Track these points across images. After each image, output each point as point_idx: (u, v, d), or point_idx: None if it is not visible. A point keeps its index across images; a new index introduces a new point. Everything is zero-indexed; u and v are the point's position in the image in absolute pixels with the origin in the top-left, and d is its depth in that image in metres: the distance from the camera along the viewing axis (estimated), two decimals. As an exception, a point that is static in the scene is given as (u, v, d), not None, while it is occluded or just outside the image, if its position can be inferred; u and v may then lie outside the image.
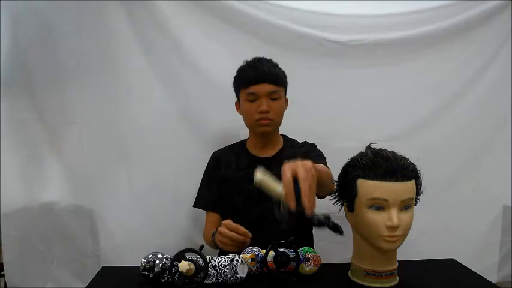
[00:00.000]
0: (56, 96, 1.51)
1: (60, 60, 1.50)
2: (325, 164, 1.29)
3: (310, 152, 1.39)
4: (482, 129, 1.75)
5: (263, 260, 1.03)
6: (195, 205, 1.45)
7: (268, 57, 1.35)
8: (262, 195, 1.25)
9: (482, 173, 1.77)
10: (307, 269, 1.05)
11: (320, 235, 1.45)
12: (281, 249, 1.03)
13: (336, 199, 1.07)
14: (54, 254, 1.55)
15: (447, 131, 1.74)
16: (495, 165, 1.77)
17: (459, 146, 1.75)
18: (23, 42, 1.47)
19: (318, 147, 1.43)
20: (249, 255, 1.06)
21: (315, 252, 1.07)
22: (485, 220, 1.78)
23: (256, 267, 1.05)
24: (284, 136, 1.45)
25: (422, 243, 1.49)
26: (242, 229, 1.13)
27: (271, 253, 1.03)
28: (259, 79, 1.29)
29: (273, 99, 1.31)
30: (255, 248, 1.09)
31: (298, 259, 1.02)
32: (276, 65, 1.35)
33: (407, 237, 0.97)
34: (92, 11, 1.50)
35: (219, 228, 1.16)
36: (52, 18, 1.48)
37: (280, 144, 1.42)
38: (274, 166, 1.14)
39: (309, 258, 1.05)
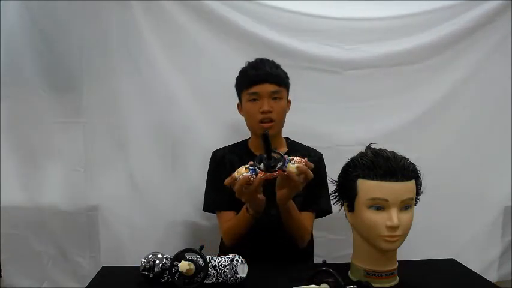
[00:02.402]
0: (57, 96, 1.51)
1: (61, 60, 1.50)
2: (326, 193, 1.21)
3: (316, 175, 1.33)
4: (482, 129, 1.75)
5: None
6: (206, 209, 1.39)
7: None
8: (267, 201, 1.27)
9: (483, 173, 1.76)
10: (294, 166, 1.00)
11: (318, 231, 1.47)
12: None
13: (336, 199, 1.08)
14: (51, 254, 1.54)
15: (447, 132, 1.74)
16: (496, 165, 1.77)
17: (459, 146, 1.75)
18: (24, 42, 1.47)
19: (319, 149, 1.43)
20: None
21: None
22: (485, 220, 1.78)
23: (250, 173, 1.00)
24: (287, 139, 1.43)
25: (422, 243, 1.49)
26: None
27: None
28: (261, 79, 1.29)
29: (275, 99, 1.30)
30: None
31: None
32: (278, 66, 1.34)
33: (408, 237, 0.97)
34: (95, 11, 1.50)
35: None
36: (53, 18, 1.48)
37: (283, 147, 1.40)
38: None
39: (293, 158, 1.01)
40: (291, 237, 1.27)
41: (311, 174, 1.01)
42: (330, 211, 1.33)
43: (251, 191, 1.02)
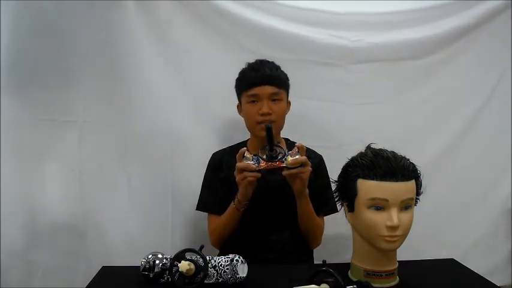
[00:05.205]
0: (56, 95, 1.51)
1: (61, 59, 1.50)
2: (332, 194, 1.20)
3: (317, 178, 1.34)
4: (483, 131, 1.75)
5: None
6: (199, 208, 1.41)
7: (270, 59, 1.35)
8: (263, 200, 1.27)
9: (484, 174, 1.76)
10: (290, 158, 1.10)
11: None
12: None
13: (336, 199, 1.08)
14: (48, 254, 1.52)
15: (448, 133, 1.74)
16: (497, 167, 1.77)
17: (461, 148, 1.74)
18: (24, 42, 1.46)
19: (319, 150, 1.43)
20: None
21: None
22: (486, 221, 1.77)
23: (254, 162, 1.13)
24: (286, 140, 1.43)
25: (422, 243, 1.49)
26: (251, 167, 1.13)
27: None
28: (260, 81, 1.29)
29: (275, 101, 1.31)
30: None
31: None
32: (278, 67, 1.35)
33: (408, 237, 0.97)
34: (95, 9, 1.50)
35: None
36: (53, 16, 1.47)
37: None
38: (278, 172, 1.16)
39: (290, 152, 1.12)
40: (304, 237, 1.34)
41: (304, 158, 1.11)
42: (337, 210, 1.30)
43: (251, 178, 1.12)
